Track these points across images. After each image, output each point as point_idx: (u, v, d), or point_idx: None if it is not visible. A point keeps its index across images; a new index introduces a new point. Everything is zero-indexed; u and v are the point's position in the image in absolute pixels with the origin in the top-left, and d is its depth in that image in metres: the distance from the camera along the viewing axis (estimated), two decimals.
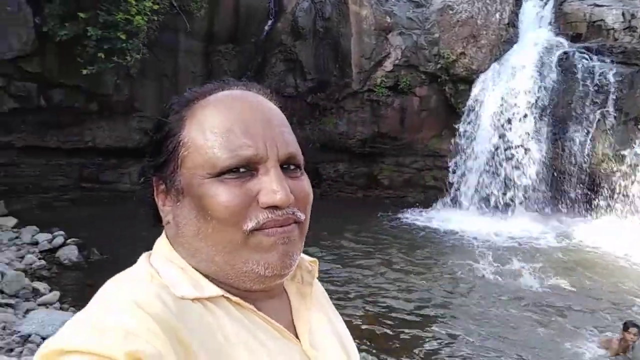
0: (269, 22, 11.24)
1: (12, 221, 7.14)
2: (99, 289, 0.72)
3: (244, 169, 0.71)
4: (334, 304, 0.93)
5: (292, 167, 0.76)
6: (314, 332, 0.81)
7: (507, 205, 10.39)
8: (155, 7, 9.04)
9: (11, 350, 3.54)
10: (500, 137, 10.51)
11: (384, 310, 5.62)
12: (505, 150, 10.46)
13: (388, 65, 11.20)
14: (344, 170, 11.83)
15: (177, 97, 0.80)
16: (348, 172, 11.85)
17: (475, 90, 10.75)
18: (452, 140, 10.96)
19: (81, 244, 6.80)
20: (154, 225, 0.80)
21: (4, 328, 3.84)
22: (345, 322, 0.92)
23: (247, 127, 0.73)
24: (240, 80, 0.85)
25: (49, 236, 6.79)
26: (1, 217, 7.29)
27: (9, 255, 5.67)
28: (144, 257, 0.78)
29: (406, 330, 5.18)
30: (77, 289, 5.67)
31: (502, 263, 7.23)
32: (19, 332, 3.79)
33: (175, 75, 10.69)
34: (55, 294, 5.05)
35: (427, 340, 5.06)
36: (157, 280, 0.71)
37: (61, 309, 4.71)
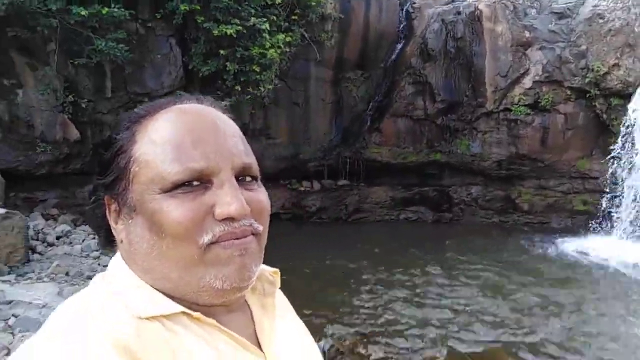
0: (398, 46, 11.19)
1: None
2: (52, 312, 0.70)
3: (197, 183, 0.70)
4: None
5: (247, 178, 0.75)
6: (277, 343, 0.79)
7: None
8: (288, 39, 9.54)
9: None
10: None
11: None
12: None
13: (527, 82, 10.44)
14: (478, 194, 11.18)
15: (128, 113, 0.78)
16: (482, 195, 11.17)
17: (634, 105, 9.48)
18: (607, 161, 9.74)
19: None
20: (105, 247, 0.79)
21: None
22: None
23: (199, 139, 0.71)
24: (193, 94, 0.82)
25: None
26: None
27: None
28: (98, 277, 0.76)
29: None
30: None
31: None
32: None
33: (306, 103, 11.11)
34: None
35: None
36: (113, 300, 0.69)
37: None
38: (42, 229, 7.20)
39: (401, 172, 11.29)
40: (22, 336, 3.57)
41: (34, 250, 6.36)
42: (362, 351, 5.00)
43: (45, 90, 8.31)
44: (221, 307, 0.74)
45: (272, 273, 0.88)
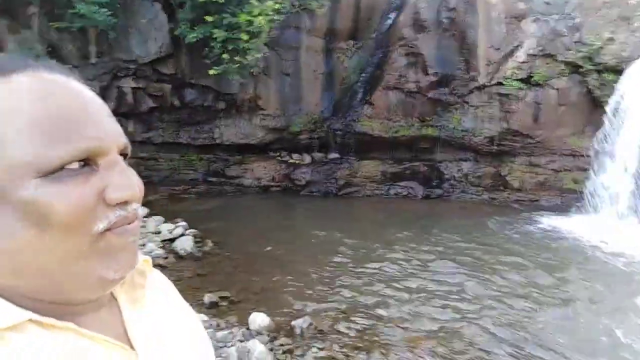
0: (391, 16, 10.94)
1: (143, 211, 7.84)
2: None
3: (82, 164, 0.62)
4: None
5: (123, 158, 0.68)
6: (150, 337, 0.72)
7: None
8: (277, 6, 9.29)
9: None
10: None
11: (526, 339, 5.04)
12: None
13: (521, 55, 10.25)
14: (469, 170, 11.11)
15: None
16: (473, 172, 11.10)
17: (626, 81, 9.33)
18: (596, 138, 9.66)
19: (198, 235, 7.22)
20: None
21: None
22: None
23: (83, 116, 0.63)
24: (51, 61, 0.70)
25: (171, 226, 7.32)
26: None
27: None
28: None
29: None
30: (188, 278, 6.01)
31: None
32: None
33: (297, 74, 10.91)
34: None
35: None
36: None
37: None
38: None
39: (392, 146, 11.19)
40: None
41: None
42: (342, 329, 4.98)
43: (27, 54, 8.08)
44: (84, 306, 0.66)
45: (143, 261, 0.79)
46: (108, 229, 0.62)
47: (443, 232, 8.19)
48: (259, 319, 4.89)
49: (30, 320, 0.61)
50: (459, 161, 11.15)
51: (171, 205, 8.73)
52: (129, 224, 0.64)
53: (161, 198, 9.19)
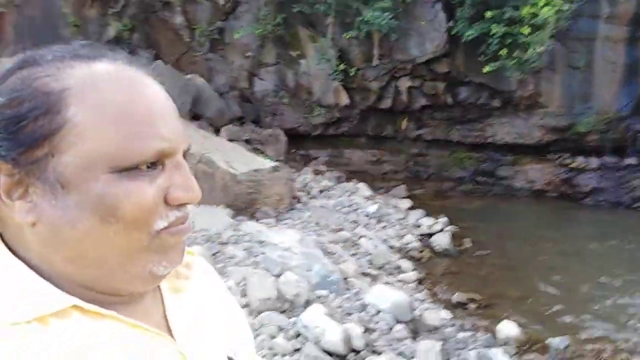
0: None
1: (406, 204, 8.17)
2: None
3: (152, 164, 0.62)
4: None
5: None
6: (191, 326, 0.73)
7: None
8: None
9: (349, 314, 4.15)
10: None
11: None
12: None
13: None
14: None
15: (33, 54, 0.64)
16: None
17: None
18: None
19: (457, 234, 7.15)
20: None
21: (356, 293, 4.52)
22: None
23: (159, 115, 0.64)
24: (124, 52, 0.69)
25: (431, 221, 7.43)
26: (401, 199, 8.45)
27: (390, 233, 6.56)
28: None
29: None
30: (439, 274, 6.03)
31: None
32: (362, 299, 4.38)
33: (589, 67, 9.65)
34: (413, 274, 5.53)
35: None
36: None
37: (411, 288, 5.14)
38: (309, 182, 8.25)
39: None
40: (260, 271, 4.26)
41: (298, 200, 7.36)
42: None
43: (322, 60, 9.30)
44: (129, 296, 0.68)
45: (187, 253, 0.78)
46: (165, 228, 0.63)
47: None
48: (508, 328, 4.61)
49: (74, 306, 0.61)
50: None
51: (435, 201, 8.85)
52: (182, 223, 0.65)
53: (426, 193, 9.40)
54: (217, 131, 9.12)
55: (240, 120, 9.98)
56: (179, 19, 10.11)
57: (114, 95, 0.61)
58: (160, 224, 0.63)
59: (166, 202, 0.63)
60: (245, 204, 6.39)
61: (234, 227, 5.44)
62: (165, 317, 0.72)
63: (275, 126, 9.94)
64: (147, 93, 0.64)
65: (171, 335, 0.70)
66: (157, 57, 10.02)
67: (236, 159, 6.60)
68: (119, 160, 0.59)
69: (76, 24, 9.94)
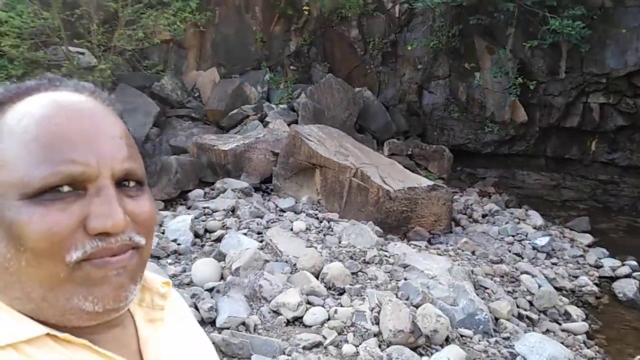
0: None
1: (587, 239, 7.06)
2: None
3: (68, 189, 0.60)
4: None
5: (131, 183, 0.66)
6: (164, 358, 0.72)
7: None
8: None
9: None
10: None
11: None
12: None
13: None
14: None
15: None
16: None
17: None
18: None
19: None
20: None
21: (506, 339, 3.96)
22: None
23: (75, 138, 0.62)
24: (72, 80, 0.70)
25: (617, 263, 6.30)
26: (580, 232, 7.33)
27: (561, 272, 5.65)
28: None
29: None
30: (618, 328, 5.05)
31: None
32: (512, 346, 3.82)
33: None
34: (584, 325, 4.67)
35: None
36: None
37: (577, 342, 4.34)
38: (472, 204, 7.65)
39: None
40: (398, 299, 3.98)
41: (457, 223, 6.86)
42: None
43: (499, 73, 8.61)
44: (96, 326, 0.65)
45: (163, 283, 0.78)
46: (86, 259, 0.60)
47: None
48: None
49: (48, 334, 0.61)
50: None
51: (626, 239, 7.52)
52: (114, 255, 0.61)
53: (616, 228, 8.05)
54: (380, 144, 9.04)
55: (405, 134, 9.77)
56: (354, 32, 10.30)
57: (30, 124, 0.61)
58: (74, 254, 0.60)
59: (86, 231, 0.60)
60: (397, 222, 6.15)
61: (380, 246, 5.23)
62: (139, 347, 0.71)
63: (442, 142, 9.51)
64: (66, 117, 0.63)
65: None
66: (330, 70, 10.33)
67: (392, 175, 6.39)
68: (24, 186, 0.59)
69: (263, 40, 10.74)
